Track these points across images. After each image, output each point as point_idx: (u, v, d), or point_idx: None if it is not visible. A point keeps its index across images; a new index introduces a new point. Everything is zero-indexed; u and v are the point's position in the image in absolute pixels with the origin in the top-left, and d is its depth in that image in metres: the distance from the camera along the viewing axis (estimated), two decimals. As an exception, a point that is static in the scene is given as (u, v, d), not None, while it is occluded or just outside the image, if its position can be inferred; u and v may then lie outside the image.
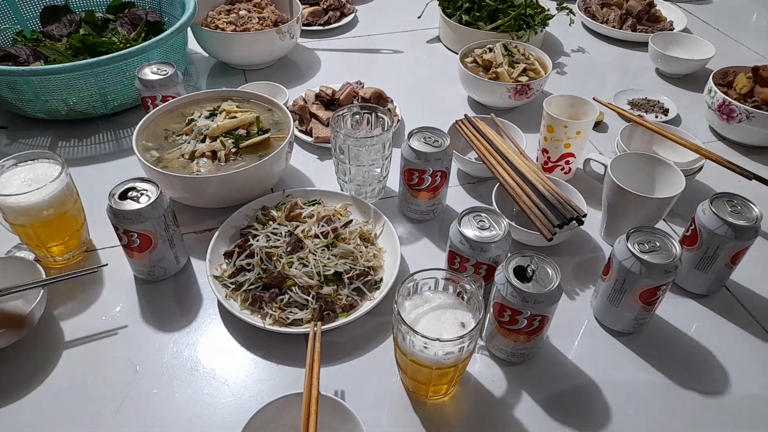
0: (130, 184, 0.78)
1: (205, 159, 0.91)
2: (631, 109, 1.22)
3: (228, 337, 0.77)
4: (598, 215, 0.93)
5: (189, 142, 0.93)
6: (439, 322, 0.64)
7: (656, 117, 1.19)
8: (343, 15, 1.57)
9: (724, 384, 0.73)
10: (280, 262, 0.79)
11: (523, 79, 1.17)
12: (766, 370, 0.75)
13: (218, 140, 0.92)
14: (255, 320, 0.75)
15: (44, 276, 0.77)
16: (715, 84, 1.12)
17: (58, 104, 1.08)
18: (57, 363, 0.74)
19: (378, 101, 1.13)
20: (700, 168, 0.95)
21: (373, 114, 0.92)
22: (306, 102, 1.13)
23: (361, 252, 0.83)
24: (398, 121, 1.14)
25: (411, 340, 0.62)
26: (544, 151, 1.00)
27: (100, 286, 0.83)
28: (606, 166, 0.87)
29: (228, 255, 0.84)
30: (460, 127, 1.00)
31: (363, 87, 1.16)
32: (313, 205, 0.90)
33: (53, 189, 0.78)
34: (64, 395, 0.70)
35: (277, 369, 0.74)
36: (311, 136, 1.09)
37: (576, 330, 0.79)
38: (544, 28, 1.39)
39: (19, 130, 1.13)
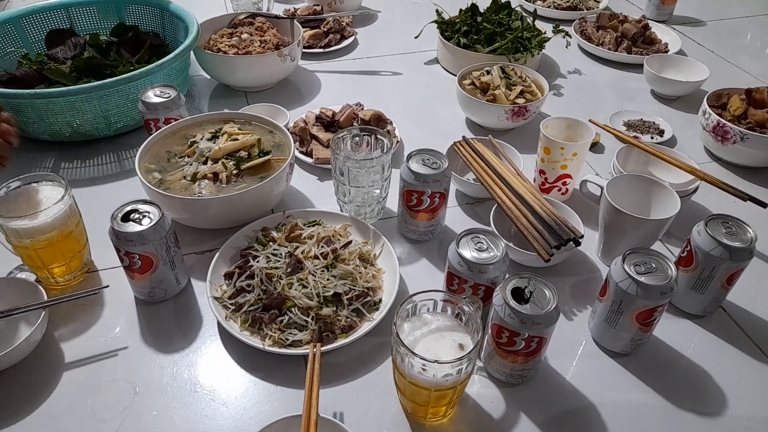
0: (132, 206, 0.79)
1: (206, 181, 0.92)
2: (627, 130, 1.23)
3: (227, 358, 0.78)
4: (595, 236, 0.94)
5: (191, 164, 0.95)
6: (438, 344, 0.65)
7: (652, 138, 1.20)
8: (343, 38, 1.59)
9: (722, 405, 0.73)
10: (280, 283, 0.80)
11: (521, 101, 1.18)
12: (763, 390, 0.75)
13: (220, 162, 0.94)
14: (255, 341, 0.76)
15: (45, 297, 0.78)
16: (710, 106, 1.14)
17: (62, 126, 1.10)
18: (57, 384, 0.74)
19: (377, 123, 1.15)
20: (696, 189, 0.96)
21: (373, 136, 0.93)
22: (306, 124, 1.15)
23: (360, 273, 0.83)
24: (397, 142, 1.15)
25: (409, 362, 0.62)
26: (541, 172, 1.01)
27: (100, 308, 0.84)
28: (602, 188, 0.88)
29: (228, 276, 0.84)
30: (458, 148, 1.02)
31: (363, 109, 1.18)
32: (313, 226, 0.91)
33: (56, 211, 0.79)
34: (64, 417, 0.70)
35: (276, 390, 0.74)
36: (312, 158, 1.10)
37: (574, 351, 0.79)
38: (540, 50, 1.41)
39: (23, 152, 1.14)
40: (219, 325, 0.80)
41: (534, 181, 1.04)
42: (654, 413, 0.72)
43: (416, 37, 1.53)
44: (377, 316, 0.79)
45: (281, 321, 0.77)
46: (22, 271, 0.88)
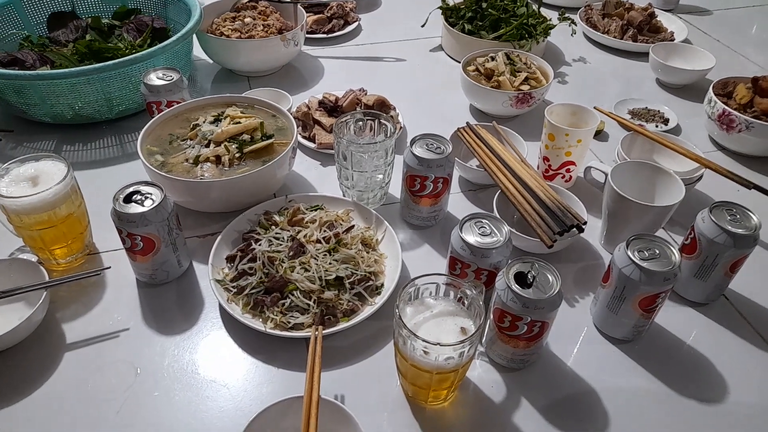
0: (135, 188, 0.78)
1: (209, 164, 0.92)
2: (632, 118, 1.23)
3: (229, 340, 0.78)
4: (598, 223, 0.94)
5: (193, 147, 0.94)
6: (440, 328, 0.65)
7: (657, 126, 1.20)
8: (346, 23, 1.58)
9: (723, 392, 0.73)
10: (282, 267, 0.80)
11: (525, 87, 1.17)
12: (765, 378, 0.75)
13: (222, 145, 0.93)
14: (256, 324, 0.76)
15: (47, 278, 0.78)
16: (715, 94, 1.13)
17: (64, 108, 1.09)
18: (59, 365, 0.74)
19: (381, 108, 1.14)
20: (700, 177, 0.96)
21: (376, 121, 0.93)
22: (309, 108, 1.14)
23: (362, 257, 0.83)
24: (401, 128, 1.14)
25: (411, 345, 0.62)
26: (545, 158, 1.00)
27: (102, 289, 0.84)
28: (606, 174, 0.88)
29: (230, 259, 0.84)
30: (462, 134, 1.01)
31: (366, 94, 1.17)
32: (316, 210, 0.91)
33: (58, 191, 0.79)
34: (66, 397, 0.71)
35: (277, 373, 0.74)
36: (314, 143, 1.10)
37: (576, 337, 0.79)
38: (545, 37, 1.40)
39: (25, 134, 1.14)
40: (221, 307, 0.80)
41: (538, 168, 1.04)
42: (655, 400, 0.72)
43: (423, 26, 1.51)
44: (379, 300, 0.79)
45: (283, 304, 0.77)
46: (23, 252, 0.88)
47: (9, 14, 1.27)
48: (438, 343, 0.60)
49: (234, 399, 0.71)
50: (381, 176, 0.93)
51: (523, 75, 1.19)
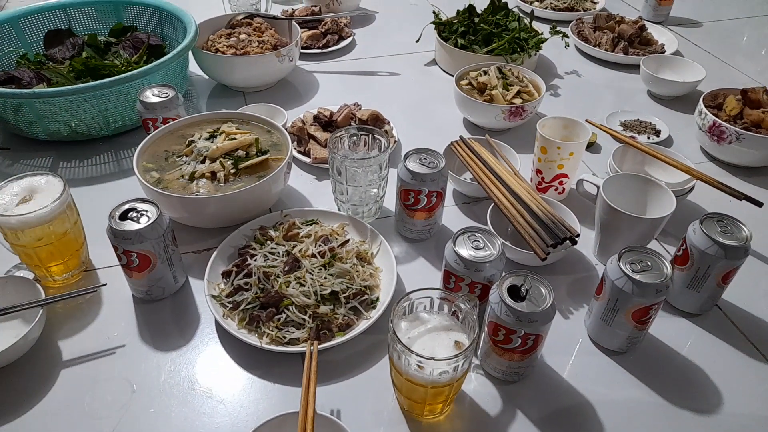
0: (131, 205, 0.79)
1: (204, 180, 0.92)
2: (624, 130, 1.24)
3: (225, 356, 0.78)
4: (591, 235, 0.94)
5: (189, 163, 0.95)
6: (434, 342, 0.65)
7: (648, 138, 1.21)
8: (341, 38, 1.60)
9: (717, 403, 0.73)
10: (278, 282, 0.80)
11: (517, 101, 1.19)
12: (759, 389, 0.76)
13: (218, 161, 0.94)
14: (252, 339, 0.76)
15: (43, 295, 0.78)
16: (706, 106, 1.15)
17: (60, 126, 1.10)
18: (55, 382, 0.74)
19: (375, 123, 1.15)
20: (691, 188, 0.97)
21: (370, 135, 0.93)
22: (304, 123, 1.15)
23: (357, 271, 0.84)
24: (395, 142, 1.15)
25: (406, 359, 0.62)
26: (538, 171, 1.01)
27: (98, 306, 0.84)
28: (599, 187, 0.89)
29: (226, 274, 0.84)
30: (455, 148, 1.02)
31: (360, 109, 1.18)
32: (311, 224, 0.92)
33: (54, 209, 0.80)
34: (62, 414, 0.71)
35: (273, 388, 0.74)
36: (309, 157, 1.11)
37: (570, 349, 0.80)
38: (537, 51, 1.42)
39: (21, 151, 1.15)
40: (216, 323, 0.80)
41: (531, 181, 1.04)
42: (650, 411, 0.73)
43: (417, 41, 1.53)
44: (374, 314, 0.80)
45: (279, 319, 0.77)
46: (20, 269, 0.88)
47: (6, 32, 1.28)
48: (432, 358, 0.60)
49: (230, 415, 0.71)
50: (375, 190, 0.94)
51: (516, 88, 1.20)
